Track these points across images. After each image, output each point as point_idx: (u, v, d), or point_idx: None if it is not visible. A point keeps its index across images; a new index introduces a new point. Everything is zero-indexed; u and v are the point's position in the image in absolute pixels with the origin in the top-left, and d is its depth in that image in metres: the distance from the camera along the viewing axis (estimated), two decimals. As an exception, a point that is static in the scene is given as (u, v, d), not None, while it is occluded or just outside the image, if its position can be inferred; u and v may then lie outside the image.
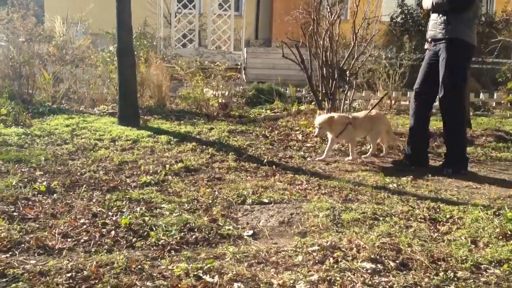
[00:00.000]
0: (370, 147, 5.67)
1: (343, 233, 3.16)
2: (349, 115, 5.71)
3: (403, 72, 8.85)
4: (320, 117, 5.33)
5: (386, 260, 2.75)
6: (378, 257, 2.79)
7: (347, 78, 7.01)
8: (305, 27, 6.46)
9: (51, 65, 8.76)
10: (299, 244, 2.94)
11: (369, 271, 2.62)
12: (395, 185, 4.44)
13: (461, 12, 4.77)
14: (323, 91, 6.59)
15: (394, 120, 7.36)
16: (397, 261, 2.74)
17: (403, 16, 13.51)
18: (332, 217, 3.45)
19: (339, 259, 2.73)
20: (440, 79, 4.84)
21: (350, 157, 5.36)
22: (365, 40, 7.02)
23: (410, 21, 13.43)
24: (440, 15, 4.85)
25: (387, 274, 2.62)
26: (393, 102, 8.80)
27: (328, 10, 6.47)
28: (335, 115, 5.48)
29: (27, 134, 5.60)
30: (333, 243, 2.94)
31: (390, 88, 8.63)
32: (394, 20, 13.39)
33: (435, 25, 4.92)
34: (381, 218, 3.49)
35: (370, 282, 2.50)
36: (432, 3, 4.87)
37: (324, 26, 6.66)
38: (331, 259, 2.73)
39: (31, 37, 8.52)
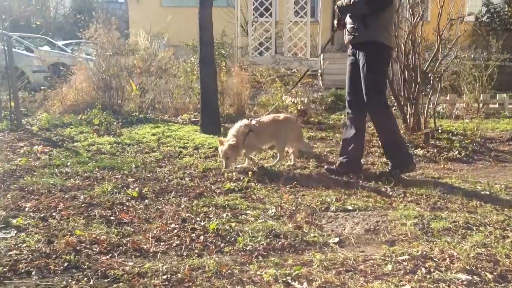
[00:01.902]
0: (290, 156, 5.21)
1: (434, 243, 3.05)
2: (252, 120, 5.00)
3: (491, 74, 8.38)
4: (221, 148, 4.80)
5: (482, 272, 2.63)
6: (473, 268, 2.67)
7: (431, 82, 6.75)
8: (385, 31, 6.30)
9: (137, 76, 9.24)
10: (387, 253, 2.88)
11: (464, 282, 2.51)
12: (487, 192, 4.22)
13: (379, 14, 4.51)
14: (405, 96, 6.40)
15: (483, 124, 6.99)
16: (495, 273, 2.61)
17: (489, 15, 12.85)
18: (420, 225, 3.35)
19: (432, 270, 2.64)
20: (363, 85, 4.61)
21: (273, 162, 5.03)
22: (449, 42, 6.75)
23: (497, 20, 12.77)
24: (358, 18, 4.59)
25: (484, 286, 2.50)
26: (481, 105, 8.36)
27: (410, 12, 6.29)
28: (234, 136, 4.82)
29: (118, 142, 5.95)
30: (424, 252, 2.85)
31: (478, 91, 8.20)
32: (479, 20, 12.76)
33: (352, 29, 4.65)
34: (474, 228, 3.33)
35: (466, 294, 2.40)
36: (349, 6, 4.62)
37: (405, 29, 6.48)
38: (423, 269, 2.64)
39: (117, 51, 9.03)
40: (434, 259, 2.78)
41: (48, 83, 9.73)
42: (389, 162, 4.89)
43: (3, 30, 7.23)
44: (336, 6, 4.92)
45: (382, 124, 4.76)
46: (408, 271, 2.64)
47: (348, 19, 4.74)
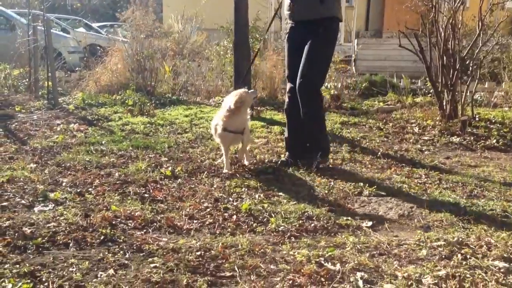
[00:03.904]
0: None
1: (470, 230, 2.99)
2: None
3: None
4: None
5: (520, 261, 2.55)
6: (511, 256, 2.59)
7: (470, 68, 6.55)
8: (424, 15, 6.14)
9: (170, 59, 9.31)
10: (422, 238, 2.83)
11: (502, 270, 2.44)
12: (526, 182, 4.09)
13: None
14: (443, 82, 6.24)
15: (521, 114, 6.78)
16: (534, 262, 2.53)
17: (533, 1, 12.33)
18: (456, 212, 3.27)
19: (468, 256, 2.59)
20: (306, 63, 4.17)
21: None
22: (490, 28, 6.53)
23: (541, 5, 12.22)
24: None
25: (523, 275, 2.43)
26: (519, 94, 8.08)
27: (451, -4, 6.11)
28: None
29: (151, 123, 6.02)
30: (460, 239, 2.79)
31: (517, 79, 7.94)
32: (521, 6, 12.27)
33: (305, 4, 4.20)
34: (512, 217, 3.25)
35: (504, 282, 2.34)
36: None
37: (445, 14, 6.30)
38: (459, 255, 2.59)
39: (151, 33, 9.12)
40: (471, 246, 2.72)
41: (84, 63, 9.89)
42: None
43: (43, 12, 7.38)
44: None
45: (315, 105, 4.35)
46: (443, 256, 2.60)
47: None
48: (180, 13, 13.85)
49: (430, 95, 7.59)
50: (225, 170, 4.18)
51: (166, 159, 4.53)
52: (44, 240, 2.69)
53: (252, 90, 4.42)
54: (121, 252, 2.60)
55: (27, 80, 7.93)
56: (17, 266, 2.40)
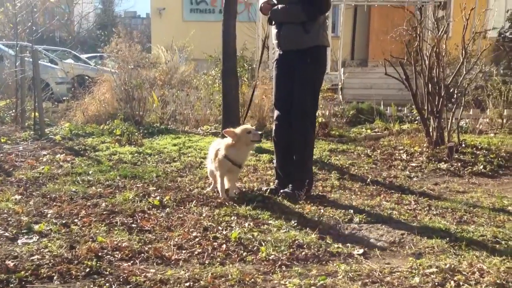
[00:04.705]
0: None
1: (462, 256, 2.96)
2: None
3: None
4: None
5: (514, 287, 2.53)
6: (504, 282, 2.57)
7: (455, 96, 6.65)
8: (409, 44, 6.26)
9: (158, 89, 9.34)
10: (414, 265, 2.80)
11: (496, 297, 2.42)
12: (515, 207, 4.10)
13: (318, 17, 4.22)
14: (429, 109, 6.31)
15: (507, 139, 6.88)
16: (528, 288, 2.51)
17: (513, 31, 12.71)
18: (447, 239, 3.25)
19: (461, 283, 2.56)
20: (298, 91, 4.23)
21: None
22: (472, 56, 6.67)
23: (521, 35, 12.60)
24: (295, 23, 4.21)
25: (517, 301, 2.40)
26: (505, 120, 8.20)
27: (435, 25, 6.23)
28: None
29: (139, 152, 5.98)
30: (453, 266, 2.76)
31: (502, 106, 8.07)
32: (502, 35, 12.62)
33: (292, 34, 4.24)
34: (503, 242, 3.24)
35: (498, 309, 2.31)
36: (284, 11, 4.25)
37: (429, 42, 6.43)
38: (452, 282, 2.56)
39: (138, 64, 9.15)
40: (463, 273, 2.69)
41: (71, 93, 9.87)
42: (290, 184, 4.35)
43: (31, 43, 7.39)
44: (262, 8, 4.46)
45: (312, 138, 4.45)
46: (436, 284, 2.56)
47: (285, 25, 4.30)
48: (168, 43, 13.99)
49: (416, 122, 7.67)
50: (221, 196, 4.16)
51: (154, 188, 4.47)
52: (27, 274, 2.62)
53: (255, 132, 4.25)
54: (107, 284, 2.53)
55: (13, 111, 7.87)
56: (-1, 300, 2.32)
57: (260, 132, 4.33)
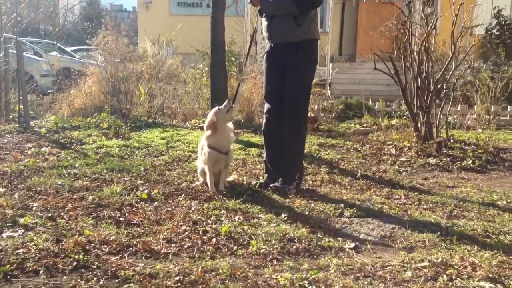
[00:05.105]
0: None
1: (454, 250, 2.95)
2: None
3: (507, 84, 8.30)
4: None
5: (506, 280, 2.53)
6: (497, 276, 2.57)
7: (443, 91, 6.66)
8: (398, 39, 6.24)
9: (146, 82, 9.22)
10: (406, 259, 2.78)
11: (488, 291, 2.41)
12: (504, 202, 4.13)
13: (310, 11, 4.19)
14: (418, 104, 6.31)
15: (494, 135, 6.92)
16: (520, 282, 2.51)
17: (499, 28, 12.80)
18: (438, 233, 3.24)
19: (453, 277, 2.55)
20: (290, 84, 4.20)
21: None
22: (461, 52, 6.69)
23: (507, 32, 12.70)
24: (286, 17, 4.15)
25: (509, 295, 2.39)
26: (492, 116, 8.27)
27: (425, 20, 6.23)
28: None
29: (127, 146, 5.89)
30: (444, 260, 2.75)
31: (489, 102, 8.13)
32: (489, 32, 12.72)
33: (283, 27, 4.18)
34: (493, 236, 3.24)
35: (491, 303, 2.30)
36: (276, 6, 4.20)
37: (419, 37, 6.43)
38: (444, 276, 2.55)
39: (125, 57, 9.01)
40: (455, 267, 2.68)
41: (56, 86, 9.70)
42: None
43: (15, 35, 7.24)
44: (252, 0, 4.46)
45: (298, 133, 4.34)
46: (429, 277, 2.55)
47: (275, 19, 4.25)
48: (155, 37, 13.83)
49: (405, 117, 7.68)
50: (210, 190, 4.12)
51: (142, 182, 4.40)
52: (12, 268, 2.54)
53: (224, 104, 4.29)
54: (95, 278, 2.47)
55: (-3, 103, 7.71)
56: (-18, 295, 2.25)
57: (224, 104, 4.33)
